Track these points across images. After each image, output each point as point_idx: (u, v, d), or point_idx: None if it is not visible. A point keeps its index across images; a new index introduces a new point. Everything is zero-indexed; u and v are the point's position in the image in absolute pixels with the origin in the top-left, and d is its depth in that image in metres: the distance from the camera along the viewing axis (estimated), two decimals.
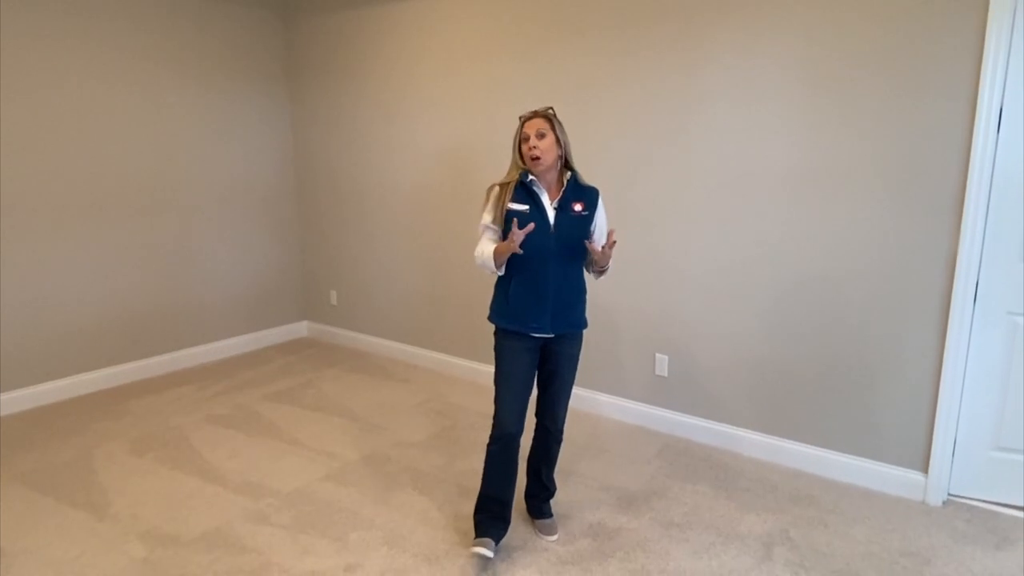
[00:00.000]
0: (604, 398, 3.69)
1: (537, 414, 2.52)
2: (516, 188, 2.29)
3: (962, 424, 2.74)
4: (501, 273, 2.35)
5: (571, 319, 2.38)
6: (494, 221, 2.33)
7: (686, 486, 2.94)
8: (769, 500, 2.82)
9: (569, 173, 2.34)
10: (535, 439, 2.55)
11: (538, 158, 2.25)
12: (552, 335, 2.36)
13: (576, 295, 2.39)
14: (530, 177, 2.28)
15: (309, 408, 3.81)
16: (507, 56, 3.72)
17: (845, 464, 2.96)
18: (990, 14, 2.41)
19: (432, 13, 4.00)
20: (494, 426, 2.36)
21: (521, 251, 2.18)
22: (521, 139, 2.29)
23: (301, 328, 5.28)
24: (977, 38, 2.45)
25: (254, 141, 4.76)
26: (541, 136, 2.26)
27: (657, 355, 3.46)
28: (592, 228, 2.36)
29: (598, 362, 3.67)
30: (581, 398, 3.73)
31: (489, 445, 2.38)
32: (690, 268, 3.27)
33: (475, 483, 2.83)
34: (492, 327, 2.42)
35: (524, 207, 2.27)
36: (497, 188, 2.33)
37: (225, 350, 4.77)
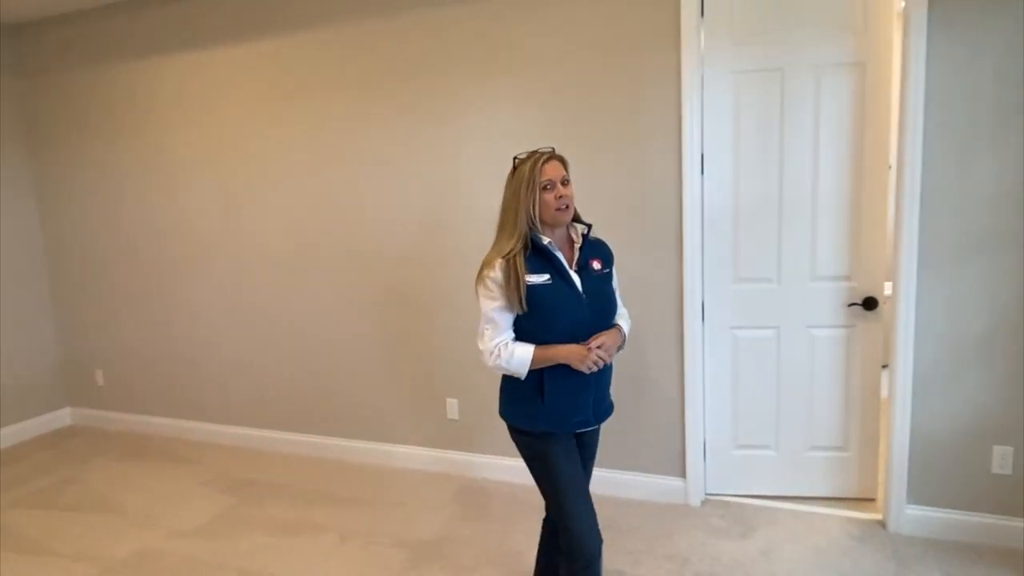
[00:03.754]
0: (398, 448, 3.67)
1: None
2: (527, 255, 1.85)
3: (708, 429, 3.09)
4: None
5: (608, 401, 2.03)
6: (509, 306, 1.85)
7: (479, 526, 3.00)
8: None
9: (584, 227, 1.96)
10: (552, 537, 2.14)
11: (567, 208, 1.87)
12: (594, 426, 2.01)
13: (611, 372, 2.01)
14: (546, 239, 1.87)
15: (68, 509, 3.35)
16: (268, 110, 3.66)
17: (619, 480, 3.20)
18: (683, 76, 2.82)
19: (190, 67, 3.83)
20: (576, 550, 1.87)
21: (596, 368, 1.84)
22: (542, 187, 1.84)
23: (63, 416, 4.65)
24: (676, 95, 2.85)
25: None
26: (565, 183, 1.88)
27: (448, 400, 3.52)
28: (614, 287, 2.04)
29: (390, 414, 3.65)
30: (368, 451, 3.68)
31: (584, 571, 1.88)
32: (468, 314, 3.39)
33: (259, 565, 2.65)
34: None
35: (544, 277, 1.85)
36: (501, 262, 1.84)
37: None
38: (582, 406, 1.93)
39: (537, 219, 1.86)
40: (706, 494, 3.14)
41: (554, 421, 1.91)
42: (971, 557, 2.58)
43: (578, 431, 1.97)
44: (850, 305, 2.90)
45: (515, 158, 1.92)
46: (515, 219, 1.85)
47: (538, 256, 1.87)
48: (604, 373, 1.95)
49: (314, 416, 3.85)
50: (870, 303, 2.87)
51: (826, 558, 2.62)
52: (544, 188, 1.85)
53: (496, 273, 1.84)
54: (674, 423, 3.08)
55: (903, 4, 2.57)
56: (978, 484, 2.66)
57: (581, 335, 1.87)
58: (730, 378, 3.06)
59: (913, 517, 2.76)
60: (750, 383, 3.05)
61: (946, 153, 2.54)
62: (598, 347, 1.85)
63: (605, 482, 3.21)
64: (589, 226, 1.97)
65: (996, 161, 2.47)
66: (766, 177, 2.89)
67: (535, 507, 3.14)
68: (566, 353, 1.84)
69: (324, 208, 3.62)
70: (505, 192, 1.91)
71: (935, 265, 2.61)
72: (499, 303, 1.85)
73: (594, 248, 2.00)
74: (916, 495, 2.75)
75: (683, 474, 3.10)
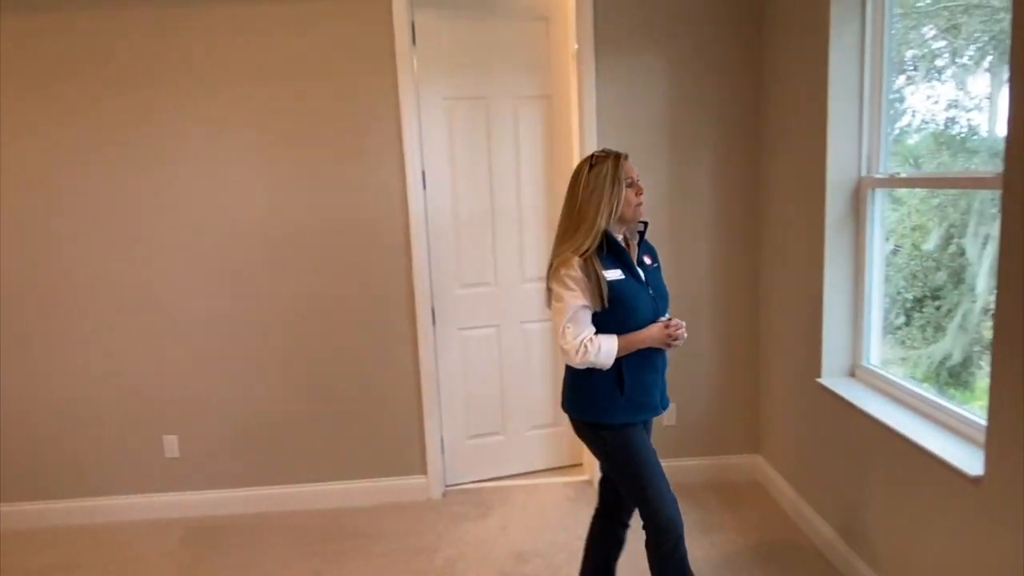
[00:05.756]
0: (108, 501, 3.20)
1: (609, 506, 2.18)
2: (599, 252, 1.89)
3: (445, 425, 3.32)
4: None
5: (666, 386, 2.09)
6: (590, 303, 1.86)
7: (219, 565, 2.79)
8: (298, 548, 2.90)
9: (642, 224, 2.05)
10: (604, 535, 2.20)
11: (642, 205, 1.97)
12: (661, 412, 2.07)
13: (666, 360, 2.08)
14: (620, 235, 1.96)
15: None
16: None
17: (365, 489, 3.26)
18: (401, 100, 3.00)
19: None
20: (666, 531, 1.94)
21: (676, 343, 1.93)
22: (627, 183, 1.91)
23: None
24: (396, 116, 3.02)
25: None
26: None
27: (165, 437, 3.18)
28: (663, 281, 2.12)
29: (94, 462, 3.17)
30: (70, 511, 3.16)
31: (673, 551, 1.96)
32: (179, 341, 3.12)
33: None
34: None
35: (618, 273, 1.90)
36: (579, 260, 1.84)
37: None
38: (653, 392, 2.01)
39: (616, 216, 1.90)
40: (447, 486, 3.37)
41: (633, 411, 1.96)
42: None
43: (648, 418, 2.05)
44: None
45: (592, 155, 1.94)
46: (595, 215, 1.87)
47: (610, 253, 1.92)
48: (665, 360, 2.05)
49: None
50: None
51: (551, 520, 3.03)
52: (630, 185, 1.92)
53: (576, 272, 1.84)
54: (413, 424, 3.24)
55: (576, 46, 3.10)
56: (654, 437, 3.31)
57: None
58: (461, 376, 3.33)
59: None
60: (478, 378, 3.36)
61: None
62: (670, 321, 1.95)
63: (351, 493, 3.24)
64: (646, 224, 2.07)
65: (650, 178, 3.13)
66: (480, 192, 3.23)
67: (271, 530, 3.03)
68: (646, 336, 1.92)
69: None
70: (578, 189, 1.91)
71: None
72: (582, 301, 1.86)
73: (643, 245, 2.09)
74: None
75: (425, 471, 3.28)
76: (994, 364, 1.68)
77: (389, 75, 2.99)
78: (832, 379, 2.59)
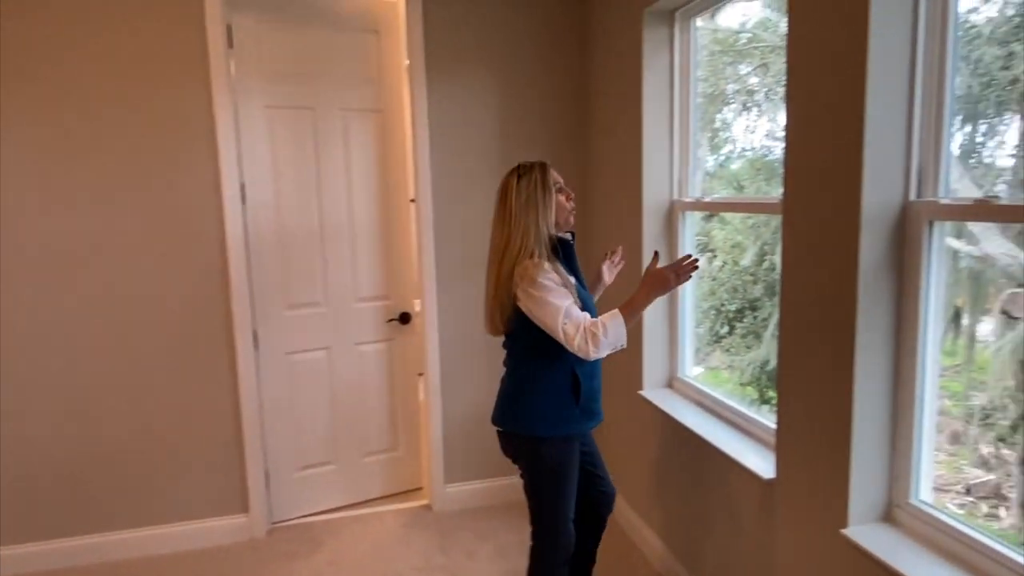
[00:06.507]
0: None
1: (583, 505, 2.15)
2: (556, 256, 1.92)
3: (270, 458, 3.08)
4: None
5: None
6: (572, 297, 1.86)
7: None
8: None
9: (570, 234, 2.04)
10: (584, 535, 2.20)
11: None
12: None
13: None
14: (568, 238, 1.99)
15: None
16: None
17: (182, 533, 2.93)
18: (215, 107, 2.77)
19: None
20: (562, 547, 2.01)
21: (687, 278, 1.88)
22: (557, 188, 1.93)
23: None
24: (210, 125, 2.78)
25: None
26: None
27: None
28: None
29: None
30: None
31: (559, 568, 2.02)
32: None
33: None
34: None
35: (571, 278, 1.92)
36: (547, 263, 1.85)
37: None
38: (599, 399, 2.02)
39: (551, 222, 1.90)
40: (272, 523, 3.12)
41: (584, 420, 1.97)
42: (494, 514, 3.19)
43: (594, 427, 2.05)
44: (389, 321, 3.28)
45: (518, 166, 1.95)
46: (536, 223, 1.87)
47: (564, 258, 1.93)
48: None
49: None
50: (405, 318, 3.30)
51: (385, 551, 2.90)
52: (560, 190, 1.94)
53: (552, 273, 1.84)
54: (232, 458, 2.98)
55: (408, 62, 3.05)
56: (492, 456, 3.30)
57: None
58: (289, 403, 3.11)
59: (452, 494, 3.27)
60: (308, 405, 3.16)
61: (448, 189, 3.10)
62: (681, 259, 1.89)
63: (168, 539, 2.92)
64: (574, 234, 2.06)
65: (480, 191, 3.13)
66: (308, 208, 3.06)
67: None
68: (647, 293, 1.85)
69: None
70: (510, 201, 1.90)
71: (448, 283, 3.15)
72: (568, 299, 1.83)
73: None
74: (452, 475, 3.27)
75: (247, 509, 3.02)
76: (780, 376, 1.82)
77: (201, 79, 2.75)
78: (652, 391, 2.72)
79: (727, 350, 2.94)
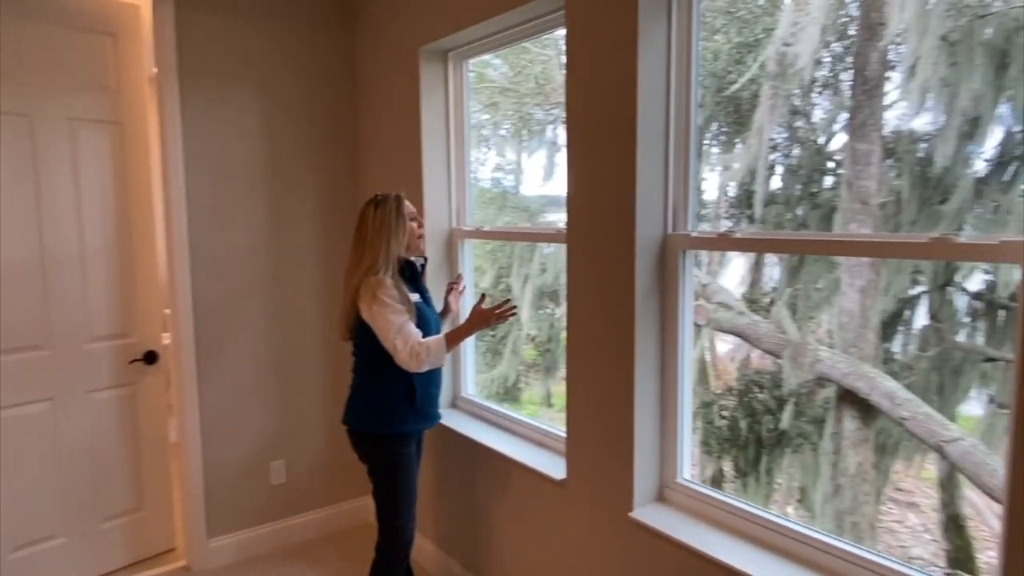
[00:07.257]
0: None
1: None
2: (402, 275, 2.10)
3: None
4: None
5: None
6: (409, 315, 2.05)
7: None
8: None
9: (423, 259, 2.26)
10: None
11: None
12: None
13: None
14: (419, 262, 2.21)
15: None
16: None
17: None
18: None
19: None
20: (403, 544, 2.19)
21: (507, 318, 2.15)
22: (410, 217, 2.14)
23: None
24: None
25: None
26: None
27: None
28: None
29: None
30: None
31: (400, 564, 2.21)
32: None
33: None
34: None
35: (416, 296, 2.13)
36: (390, 280, 2.03)
37: None
38: (436, 404, 2.23)
39: (404, 245, 2.10)
40: None
41: (419, 420, 2.17)
42: (271, 563, 2.96)
43: (430, 427, 2.28)
44: (131, 362, 2.86)
45: (375, 196, 2.14)
46: (387, 245, 2.05)
47: (410, 279, 2.12)
48: (442, 375, 2.29)
49: None
50: (151, 357, 2.91)
51: None
52: (413, 219, 2.15)
53: (392, 290, 2.02)
54: None
55: (155, 70, 2.74)
56: (262, 498, 3.07)
57: None
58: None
59: (216, 549, 2.95)
60: (25, 469, 2.60)
61: (209, 212, 2.84)
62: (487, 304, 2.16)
63: None
64: (426, 259, 2.28)
65: (251, 217, 2.93)
66: (25, 232, 2.55)
67: None
68: (470, 327, 2.12)
69: None
70: (366, 227, 2.09)
71: (209, 314, 2.88)
72: (404, 316, 2.02)
73: None
74: (215, 528, 2.95)
75: None
76: (569, 388, 2.06)
77: None
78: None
79: (478, 369, 3.16)
